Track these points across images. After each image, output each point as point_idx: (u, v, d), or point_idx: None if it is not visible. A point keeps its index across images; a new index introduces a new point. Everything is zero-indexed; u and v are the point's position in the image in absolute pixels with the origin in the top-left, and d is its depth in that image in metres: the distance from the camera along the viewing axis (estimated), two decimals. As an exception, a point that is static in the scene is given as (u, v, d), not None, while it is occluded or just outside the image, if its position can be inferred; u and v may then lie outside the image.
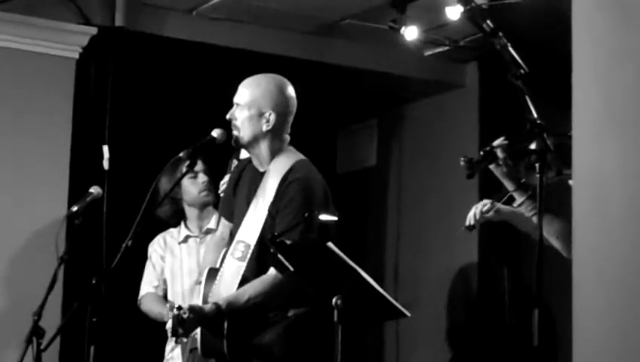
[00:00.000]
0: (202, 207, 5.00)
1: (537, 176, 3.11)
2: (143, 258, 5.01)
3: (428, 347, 6.94)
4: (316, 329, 3.77)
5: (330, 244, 3.33)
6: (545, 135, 3.14)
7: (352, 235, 6.89)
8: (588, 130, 2.89)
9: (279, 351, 3.78)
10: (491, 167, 3.49)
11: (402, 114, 7.45)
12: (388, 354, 7.29)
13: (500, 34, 3.29)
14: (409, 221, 7.31)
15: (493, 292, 6.31)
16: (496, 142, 3.55)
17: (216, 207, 4.81)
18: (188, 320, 3.62)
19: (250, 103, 3.90)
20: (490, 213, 3.81)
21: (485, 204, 3.82)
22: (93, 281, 3.73)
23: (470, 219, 3.84)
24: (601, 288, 2.79)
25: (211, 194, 4.97)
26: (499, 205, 3.81)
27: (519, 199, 3.57)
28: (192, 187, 4.97)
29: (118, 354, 5.72)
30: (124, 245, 3.66)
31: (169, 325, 3.64)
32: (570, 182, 2.99)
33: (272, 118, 3.88)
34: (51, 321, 3.95)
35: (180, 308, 3.63)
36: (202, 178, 4.96)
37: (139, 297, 5.01)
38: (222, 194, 4.46)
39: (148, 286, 4.99)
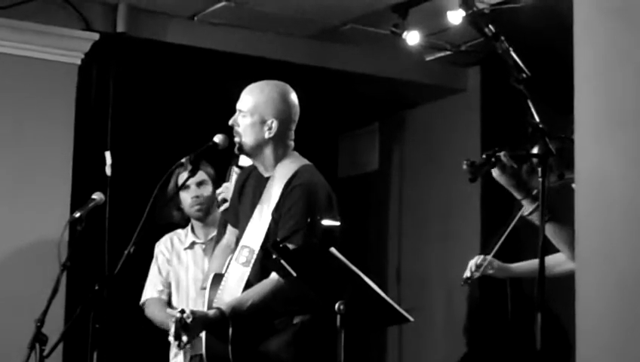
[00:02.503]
0: (195, 219, 4.97)
1: (539, 179, 3.11)
2: (146, 264, 4.99)
3: (431, 351, 6.93)
4: (322, 336, 3.76)
5: (332, 249, 3.33)
6: (547, 139, 3.14)
7: (354, 240, 6.88)
8: (590, 133, 2.89)
9: (286, 358, 3.78)
10: (495, 176, 3.47)
11: (404, 118, 7.46)
12: (391, 359, 7.29)
13: (502, 38, 3.29)
14: (411, 225, 7.31)
15: (496, 295, 6.30)
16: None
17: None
18: (192, 326, 3.61)
19: (253, 110, 3.89)
20: (484, 266, 4.12)
21: (479, 258, 4.14)
22: (96, 287, 3.73)
23: (467, 272, 4.15)
24: (603, 291, 2.79)
25: (203, 208, 4.90)
26: (490, 258, 4.11)
27: (528, 208, 3.55)
28: (186, 199, 4.94)
29: (121, 359, 5.72)
30: (126, 251, 3.66)
31: (172, 330, 3.63)
32: (574, 185, 2.99)
33: (275, 125, 3.88)
34: (54, 327, 3.95)
35: (182, 311, 3.62)
36: (193, 191, 4.89)
37: (142, 299, 4.95)
38: (220, 202, 4.44)
39: (152, 289, 4.94)
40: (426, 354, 6.99)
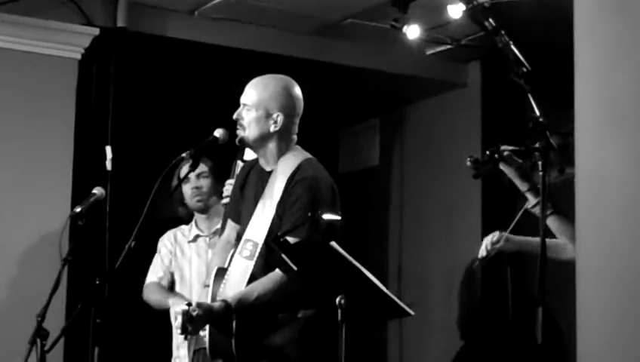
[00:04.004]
0: (197, 210, 5.01)
1: (540, 174, 3.11)
2: (147, 259, 5.01)
3: (432, 345, 6.94)
4: (326, 330, 3.76)
5: (333, 244, 3.33)
6: (547, 133, 3.15)
7: (355, 235, 6.88)
8: (590, 131, 2.89)
9: (290, 353, 3.78)
10: (502, 167, 3.47)
11: (404, 113, 7.45)
12: (391, 354, 7.30)
13: (502, 32, 3.29)
14: (412, 220, 7.31)
15: (497, 290, 6.31)
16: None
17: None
18: (196, 318, 3.61)
19: (258, 104, 3.89)
20: (501, 243, 3.91)
21: (494, 235, 3.92)
22: (97, 282, 3.73)
23: (482, 251, 3.93)
24: (603, 289, 2.79)
25: (204, 199, 4.97)
26: (507, 234, 3.90)
27: (532, 200, 3.56)
28: (187, 191, 4.99)
29: (122, 355, 5.71)
30: (127, 246, 3.66)
31: (178, 322, 3.63)
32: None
33: (280, 119, 3.88)
34: (55, 322, 3.95)
35: (189, 304, 3.63)
36: (193, 183, 4.97)
37: (144, 287, 5.01)
38: (225, 196, 4.45)
39: (152, 276, 5.01)
40: (426, 349, 7.00)
